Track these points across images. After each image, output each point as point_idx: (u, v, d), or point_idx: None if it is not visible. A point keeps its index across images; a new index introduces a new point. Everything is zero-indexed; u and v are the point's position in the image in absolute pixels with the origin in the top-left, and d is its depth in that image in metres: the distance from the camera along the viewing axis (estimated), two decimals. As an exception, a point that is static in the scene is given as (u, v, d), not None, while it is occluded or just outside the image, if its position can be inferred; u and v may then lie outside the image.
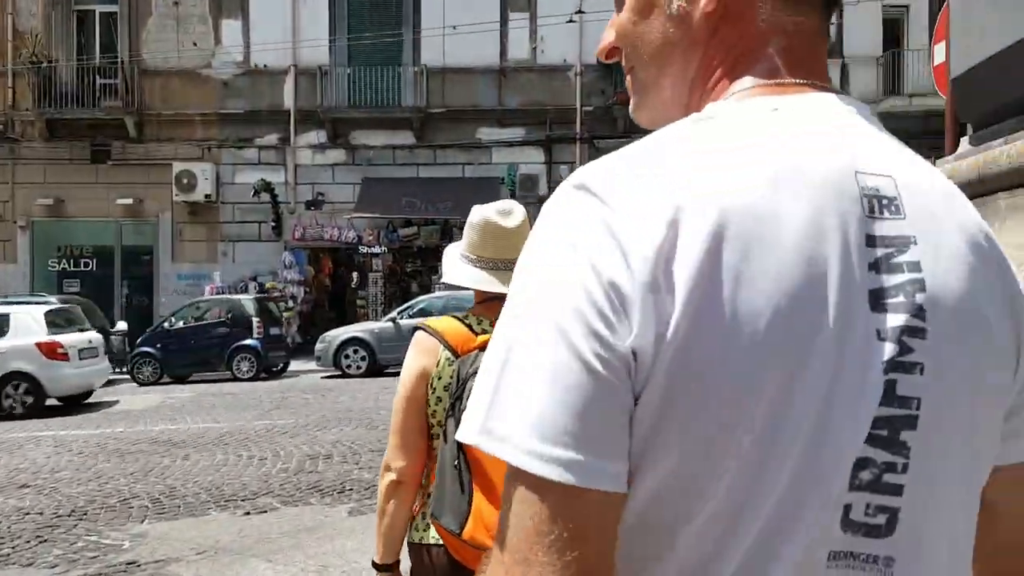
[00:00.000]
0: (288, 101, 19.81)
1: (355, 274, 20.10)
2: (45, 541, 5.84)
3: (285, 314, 18.30)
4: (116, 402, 13.20)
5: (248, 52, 19.82)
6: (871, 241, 0.67)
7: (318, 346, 15.82)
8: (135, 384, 15.75)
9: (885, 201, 0.68)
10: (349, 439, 8.78)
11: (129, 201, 19.67)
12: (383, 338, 15.31)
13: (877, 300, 0.66)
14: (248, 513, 6.28)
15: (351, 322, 17.99)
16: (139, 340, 16.24)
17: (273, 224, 19.61)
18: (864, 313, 0.65)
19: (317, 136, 19.86)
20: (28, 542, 5.81)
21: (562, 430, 0.61)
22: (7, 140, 19.82)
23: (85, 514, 6.37)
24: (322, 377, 15.68)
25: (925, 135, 19.76)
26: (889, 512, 0.65)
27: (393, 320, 15.59)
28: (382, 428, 9.25)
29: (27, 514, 6.44)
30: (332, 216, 19.60)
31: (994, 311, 0.71)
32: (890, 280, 0.66)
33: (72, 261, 20.35)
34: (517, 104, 19.78)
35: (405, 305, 16.37)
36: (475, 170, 19.73)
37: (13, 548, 5.69)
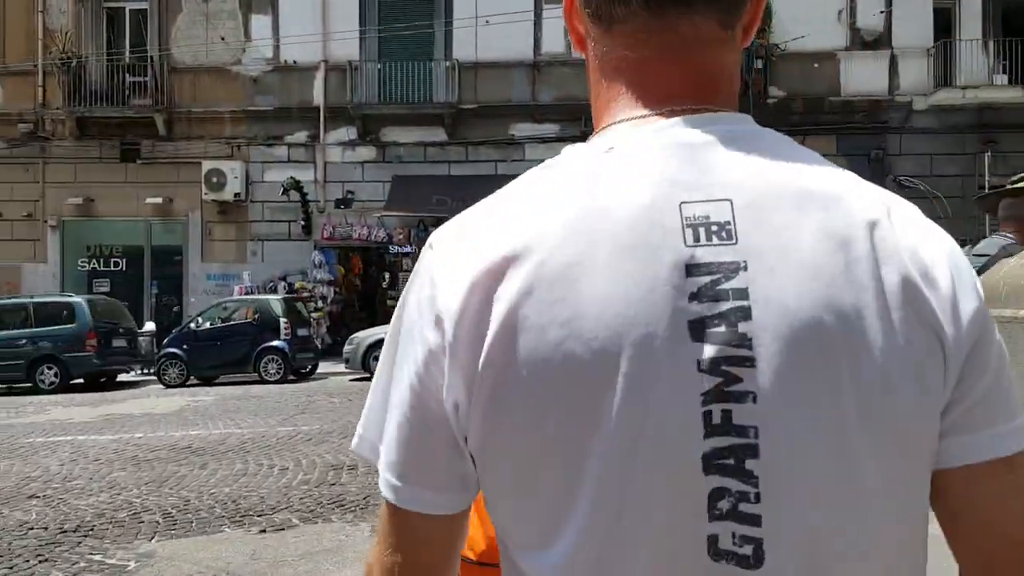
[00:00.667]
0: (318, 97, 19.47)
1: (386, 274, 19.71)
2: (45, 560, 5.41)
3: (314, 314, 17.97)
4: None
5: (278, 48, 19.53)
6: (692, 271, 0.66)
7: (346, 348, 15.41)
8: (161, 386, 15.49)
9: (715, 228, 0.67)
10: (375, 448, 8.30)
11: (159, 200, 19.47)
12: (414, 339, 14.82)
13: (697, 330, 0.66)
14: (264, 531, 5.81)
15: (382, 323, 17.60)
16: (166, 341, 15.99)
17: (303, 223, 19.28)
18: (684, 345, 0.65)
19: (347, 133, 19.50)
20: (27, 561, 5.39)
21: (392, 458, 0.73)
22: (37, 139, 19.72)
23: (92, 529, 5.93)
24: (350, 380, 15.27)
25: (980, 128, 18.98)
26: (754, 543, 0.65)
27: (423, 321, 15.11)
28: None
29: (31, 529, 6.03)
30: (362, 215, 19.23)
31: (873, 314, 0.67)
32: (712, 309, 0.66)
33: (102, 261, 20.20)
34: (551, 99, 19.25)
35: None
36: (508, 167, 19.21)
37: (11, 568, 5.27)
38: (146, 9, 19.79)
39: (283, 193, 18.88)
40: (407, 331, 0.73)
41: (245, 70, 19.66)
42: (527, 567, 0.70)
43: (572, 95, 19.12)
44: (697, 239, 0.67)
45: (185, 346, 15.61)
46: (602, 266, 0.66)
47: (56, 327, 15.48)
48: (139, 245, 19.96)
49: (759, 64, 19.35)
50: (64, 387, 15.34)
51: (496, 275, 0.67)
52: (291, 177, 18.98)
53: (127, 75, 19.52)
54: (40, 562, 5.37)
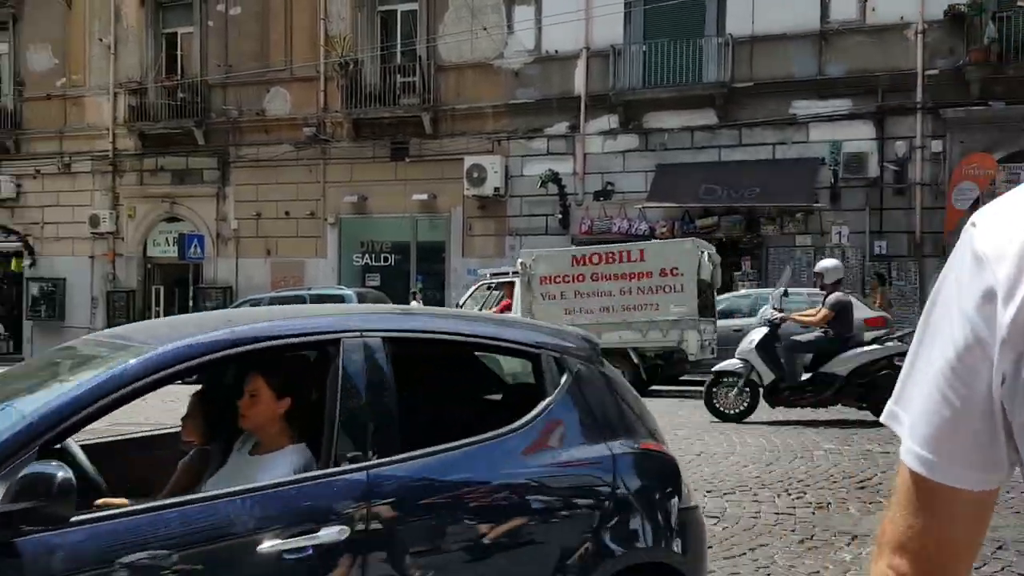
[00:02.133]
0: (579, 86, 18.75)
1: (648, 270, 18.52)
2: None
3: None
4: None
5: (539, 39, 19.09)
6: None
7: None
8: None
9: None
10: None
11: (424, 197, 19.82)
12: (679, 341, 13.49)
13: None
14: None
15: (643, 322, 16.44)
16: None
17: (560, 217, 18.67)
18: None
19: (608, 121, 18.58)
20: None
21: (923, 431, 0.80)
22: (319, 141, 20.84)
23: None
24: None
25: None
26: None
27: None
28: (679, 453, 7.52)
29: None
30: (622, 207, 18.22)
31: None
32: None
33: (373, 256, 20.99)
34: (842, 72, 16.99)
35: (704, 305, 14.42)
36: (788, 150, 17.28)
37: None
38: (416, 10, 20.21)
39: (540, 186, 18.42)
40: (943, 306, 0.76)
41: (507, 64, 19.42)
42: None
43: (866, 67, 16.74)
44: None
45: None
46: None
47: (328, 319, 15.96)
48: (406, 241, 20.47)
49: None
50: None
51: None
52: (549, 169, 18.47)
53: (398, 76, 20.06)
54: None
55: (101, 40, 22.75)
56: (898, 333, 9.81)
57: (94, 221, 22.55)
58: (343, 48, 20.20)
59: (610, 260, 12.06)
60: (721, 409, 9.52)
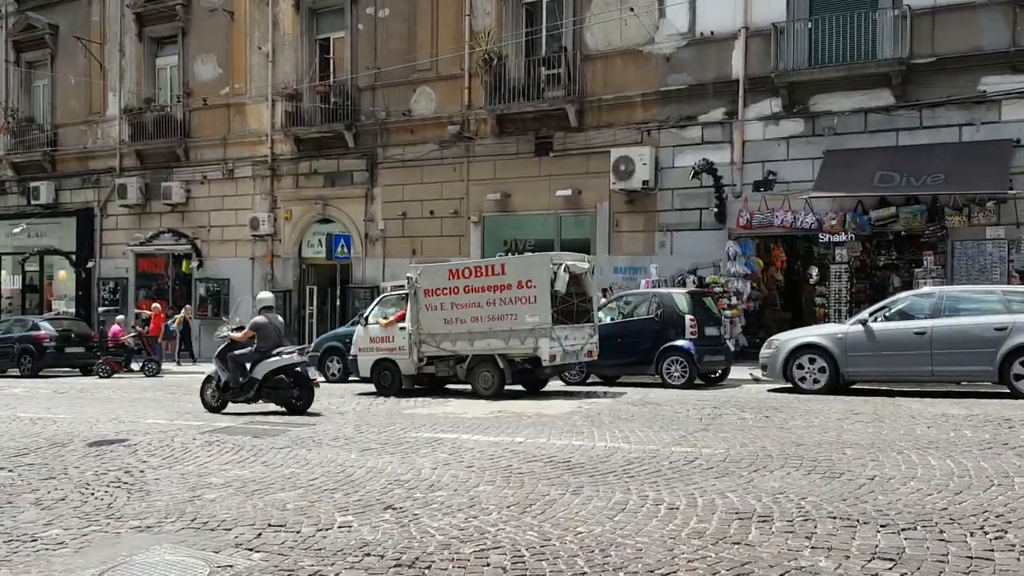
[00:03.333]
0: (737, 69, 17.48)
1: (813, 267, 16.99)
2: (359, 607, 4.24)
3: (727, 312, 16.02)
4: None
5: (693, 21, 18.00)
6: None
7: (763, 351, 13.18)
8: (562, 383, 14.77)
9: None
10: (797, 491, 6.06)
11: (568, 193, 19.22)
12: (850, 346, 12.08)
13: None
14: (632, 610, 4.01)
15: (807, 323, 15.16)
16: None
17: (715, 210, 17.42)
18: None
19: (770, 106, 17.24)
20: (341, 604, 4.27)
21: None
22: (463, 139, 20.62)
23: (428, 568, 4.67)
24: (768, 390, 13.01)
25: None
26: None
27: (863, 323, 12.24)
28: (847, 477, 6.41)
29: (367, 555, 4.97)
30: (785, 199, 16.77)
31: None
32: None
33: (516, 254, 20.42)
34: (1041, 41, 14.95)
35: (879, 305, 12.88)
36: (977, 132, 15.41)
37: (317, 612, 4.17)
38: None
39: (693, 177, 17.27)
40: None
41: (658, 49, 18.44)
42: None
43: (1073, 32, 14.55)
44: None
45: (585, 343, 14.86)
46: None
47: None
48: (549, 239, 19.89)
49: None
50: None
51: None
52: (704, 159, 17.29)
53: (542, 69, 19.52)
54: (353, 610, 4.21)
55: (260, 48, 23.64)
56: (299, 347, 12.17)
57: (254, 224, 23.44)
58: (488, 43, 19.86)
59: (478, 274, 13.11)
60: (210, 403, 11.81)
